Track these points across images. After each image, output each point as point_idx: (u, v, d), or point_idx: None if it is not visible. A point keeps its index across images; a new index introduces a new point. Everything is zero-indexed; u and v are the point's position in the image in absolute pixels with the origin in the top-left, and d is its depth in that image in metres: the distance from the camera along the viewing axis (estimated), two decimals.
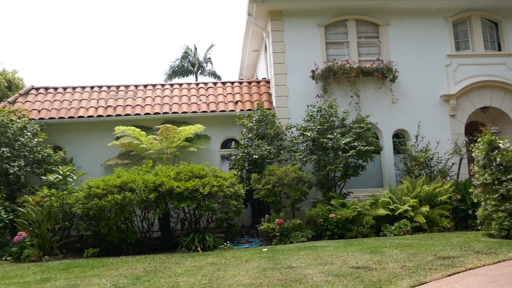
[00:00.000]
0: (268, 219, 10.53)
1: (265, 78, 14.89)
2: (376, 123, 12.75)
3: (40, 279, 7.07)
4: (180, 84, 14.90)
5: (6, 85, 18.92)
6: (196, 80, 33.87)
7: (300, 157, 11.25)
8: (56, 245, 9.72)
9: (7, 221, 10.15)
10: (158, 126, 12.05)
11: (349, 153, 10.75)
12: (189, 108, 13.36)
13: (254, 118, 12.04)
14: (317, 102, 12.49)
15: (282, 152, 11.80)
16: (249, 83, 14.88)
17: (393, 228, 10.09)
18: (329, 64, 12.81)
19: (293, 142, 11.77)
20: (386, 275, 5.93)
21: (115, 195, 9.27)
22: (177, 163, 11.36)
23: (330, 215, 10.07)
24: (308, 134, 11.22)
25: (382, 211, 10.25)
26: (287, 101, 12.94)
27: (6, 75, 19.31)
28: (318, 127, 11.24)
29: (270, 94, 13.87)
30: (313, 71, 12.87)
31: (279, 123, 12.36)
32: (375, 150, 11.43)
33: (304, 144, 11.53)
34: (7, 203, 10.60)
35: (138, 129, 12.03)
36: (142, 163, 11.19)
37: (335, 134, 10.96)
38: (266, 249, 8.79)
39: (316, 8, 13.13)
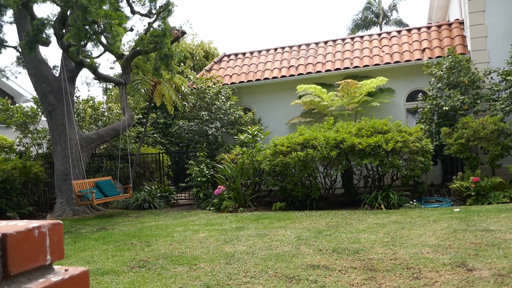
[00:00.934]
0: (462, 177, 9.48)
1: (457, 19, 13.12)
2: None
3: (235, 227, 7.85)
4: (361, 37, 14.28)
5: (203, 55, 21.13)
6: (380, 31, 32.10)
7: (502, 106, 9.68)
8: (249, 198, 10.63)
9: (208, 176, 11.52)
10: (338, 82, 11.86)
11: None
12: (370, 61, 12.75)
13: (445, 65, 10.79)
14: None
15: (478, 102, 10.36)
16: (439, 27, 13.33)
17: None
18: None
19: (493, 90, 10.18)
20: None
21: (298, 152, 9.57)
22: (359, 119, 11.06)
23: None
24: None
25: None
26: (485, 42, 11.18)
27: (203, 46, 21.53)
28: None
29: (463, 37, 12.19)
30: None
31: (475, 68, 10.81)
32: None
33: (508, 91, 9.87)
34: (208, 161, 11.99)
35: (319, 87, 12.06)
36: (324, 120, 11.24)
37: None
38: (458, 210, 7.96)
39: None
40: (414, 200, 9.43)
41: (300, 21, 59.85)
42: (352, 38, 14.41)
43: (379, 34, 14.04)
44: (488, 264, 4.58)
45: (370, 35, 14.16)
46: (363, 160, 9.25)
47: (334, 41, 14.40)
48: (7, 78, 13.05)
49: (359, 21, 34.07)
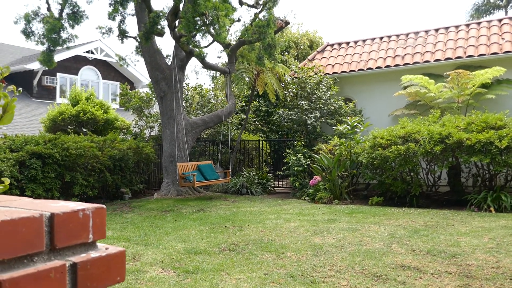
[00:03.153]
0: None
1: None
2: None
3: (327, 219, 7.80)
4: (478, 23, 13.09)
5: (308, 44, 21.06)
6: (506, 15, 29.02)
7: None
8: (345, 191, 10.46)
9: (305, 166, 11.55)
10: (448, 73, 11.05)
11: None
12: (487, 50, 11.65)
13: None
14: None
15: None
16: None
17: None
18: None
19: None
20: None
21: (398, 146, 9.16)
22: (469, 112, 10.21)
23: None
24: None
25: None
26: None
27: (308, 35, 21.45)
28: None
29: None
30: None
31: None
32: None
33: None
34: (306, 150, 12.01)
35: (426, 77, 11.36)
36: (430, 113, 10.58)
37: None
38: None
39: None
40: None
41: (413, 9, 56.47)
42: (468, 25, 13.27)
43: (500, 20, 12.74)
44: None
45: (489, 21, 12.91)
46: (471, 157, 8.56)
47: (447, 28, 13.40)
48: (128, 65, 14.30)
49: (481, 6, 31.14)
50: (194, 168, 11.31)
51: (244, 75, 14.14)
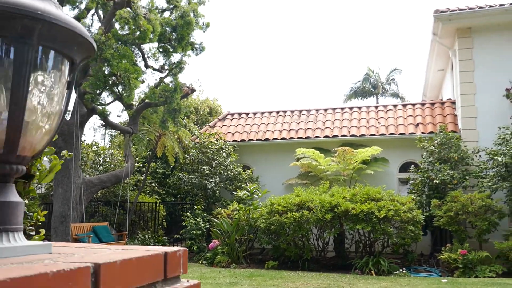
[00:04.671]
0: (450, 249, 9.82)
1: (450, 99, 14.01)
2: None
3: (229, 282, 8.05)
4: (359, 107, 15.09)
5: (208, 111, 21.95)
6: (377, 102, 33.43)
7: (489, 184, 10.23)
8: (242, 255, 10.83)
9: (204, 230, 11.77)
10: (336, 149, 12.45)
11: None
12: (367, 131, 13.44)
13: (436, 141, 11.45)
14: (511, 124, 11.20)
15: (467, 178, 10.92)
16: (432, 104, 14.20)
17: None
18: None
19: (481, 168, 10.77)
20: None
21: (294, 213, 9.93)
22: (353, 185, 11.53)
23: None
24: (499, 159, 10.14)
25: None
26: (475, 123, 11.94)
27: (208, 102, 22.43)
28: None
29: (455, 116, 12.99)
30: (508, 90, 11.62)
31: (465, 146, 11.47)
32: None
33: (494, 170, 10.45)
34: (205, 214, 12.28)
35: (317, 151, 12.63)
36: (320, 183, 11.70)
37: None
38: (445, 280, 8.25)
39: None
40: (403, 268, 9.70)
41: (301, 86, 62.01)
42: (351, 108, 15.21)
43: (376, 107, 14.87)
44: None
45: (368, 107, 14.99)
46: (356, 225, 9.61)
47: (334, 109, 15.20)
48: None
49: (357, 90, 35.55)
50: (89, 230, 10.85)
51: (145, 136, 14.24)
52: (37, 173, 1.69)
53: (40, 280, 0.68)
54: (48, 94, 0.99)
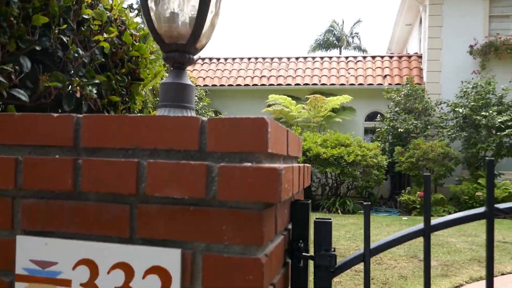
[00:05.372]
0: (409, 192, 10.69)
1: (417, 53, 14.59)
2: None
3: None
4: (330, 57, 15.42)
5: None
6: (340, 54, 33.94)
7: (449, 133, 11.05)
8: None
9: None
10: (308, 96, 12.84)
11: (504, 132, 10.25)
12: (337, 80, 13.87)
13: (403, 92, 12.06)
14: (472, 78, 11.96)
15: (429, 127, 11.69)
16: (399, 57, 14.74)
17: None
18: (491, 39, 12.09)
19: (442, 118, 11.55)
20: None
21: None
22: (323, 131, 12.06)
23: (476, 193, 9.85)
24: (460, 110, 10.92)
25: None
26: (439, 76, 12.62)
27: None
28: (472, 104, 10.85)
29: (421, 69, 13.62)
30: (471, 46, 12.29)
31: (429, 98, 12.17)
32: None
33: (454, 121, 11.26)
34: None
35: (289, 98, 12.98)
36: (291, 129, 12.14)
37: (490, 111, 10.49)
38: (406, 218, 9.08)
39: None
40: None
41: (267, 34, 61.45)
42: (322, 58, 15.51)
43: (346, 57, 15.25)
44: (435, 258, 5.57)
45: (338, 57, 15.35)
46: (326, 168, 10.21)
47: (305, 58, 15.45)
48: None
49: (321, 42, 35.79)
50: None
51: None
52: (146, 78, 1.90)
53: None
54: (216, 1, 1.23)
